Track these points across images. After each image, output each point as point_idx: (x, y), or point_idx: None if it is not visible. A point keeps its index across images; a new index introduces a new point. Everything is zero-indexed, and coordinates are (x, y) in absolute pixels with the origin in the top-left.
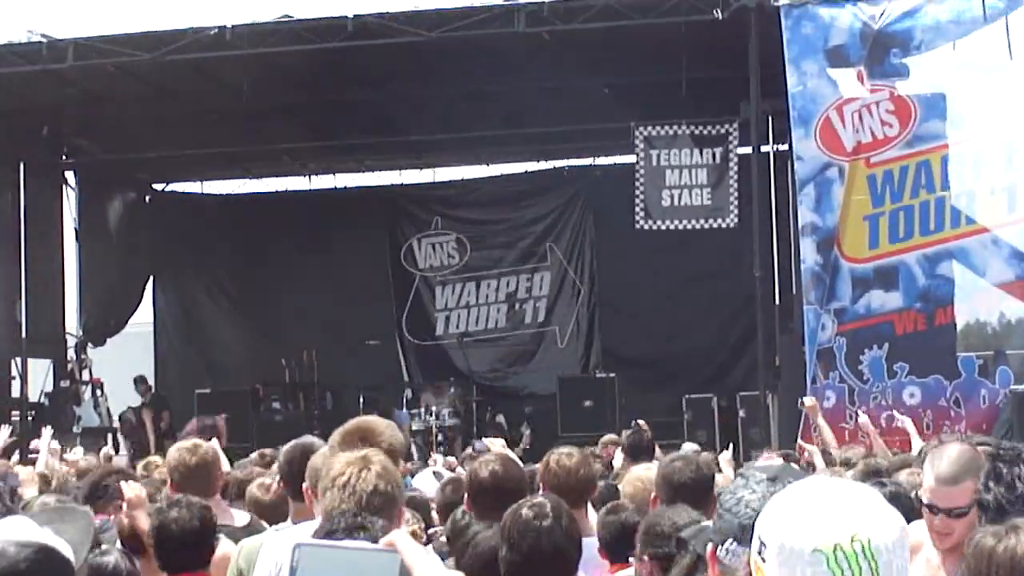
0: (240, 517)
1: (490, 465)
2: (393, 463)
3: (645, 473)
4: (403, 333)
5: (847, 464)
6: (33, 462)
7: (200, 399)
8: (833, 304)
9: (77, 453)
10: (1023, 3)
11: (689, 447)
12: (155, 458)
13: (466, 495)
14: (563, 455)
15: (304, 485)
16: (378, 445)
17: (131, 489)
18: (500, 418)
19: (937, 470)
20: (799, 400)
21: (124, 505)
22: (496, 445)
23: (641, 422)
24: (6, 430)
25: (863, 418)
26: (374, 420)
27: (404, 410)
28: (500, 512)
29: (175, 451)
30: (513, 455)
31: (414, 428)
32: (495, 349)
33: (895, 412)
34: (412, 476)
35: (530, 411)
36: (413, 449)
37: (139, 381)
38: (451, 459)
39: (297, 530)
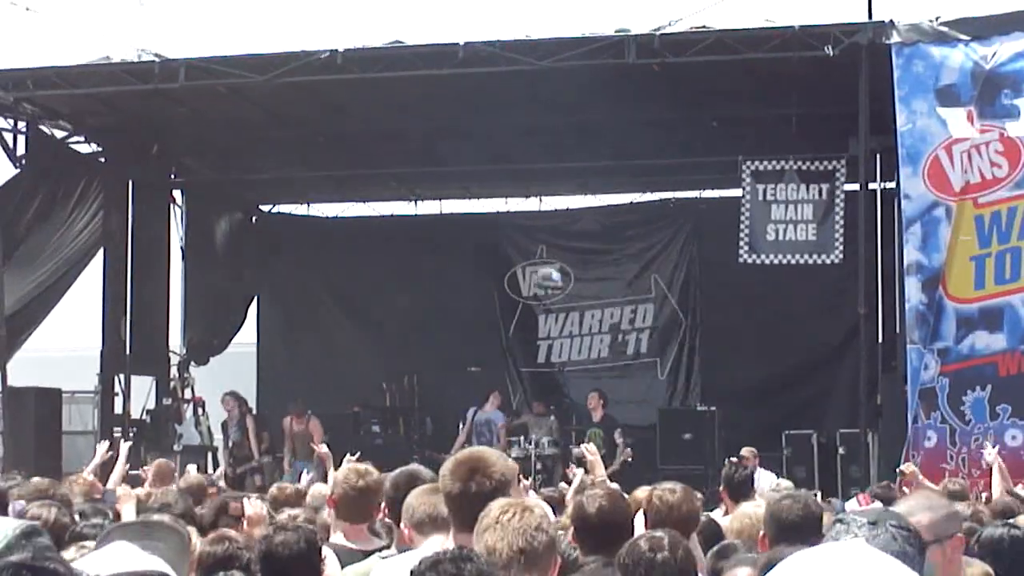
0: (376, 541)
1: (597, 500)
2: (505, 494)
3: (754, 511)
4: (506, 358)
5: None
6: (133, 480)
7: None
8: (937, 344)
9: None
10: None
11: (784, 484)
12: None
13: (572, 529)
14: (666, 491)
15: (402, 523)
16: (490, 476)
17: (252, 506)
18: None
19: None
20: (922, 445)
21: (245, 523)
22: (592, 451)
23: (750, 450)
24: (103, 446)
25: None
26: (486, 451)
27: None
28: (606, 547)
29: (345, 471)
30: (615, 485)
31: (512, 456)
32: (596, 381)
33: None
34: None
35: (630, 442)
36: None
37: (232, 396)
38: (563, 485)
39: (404, 558)
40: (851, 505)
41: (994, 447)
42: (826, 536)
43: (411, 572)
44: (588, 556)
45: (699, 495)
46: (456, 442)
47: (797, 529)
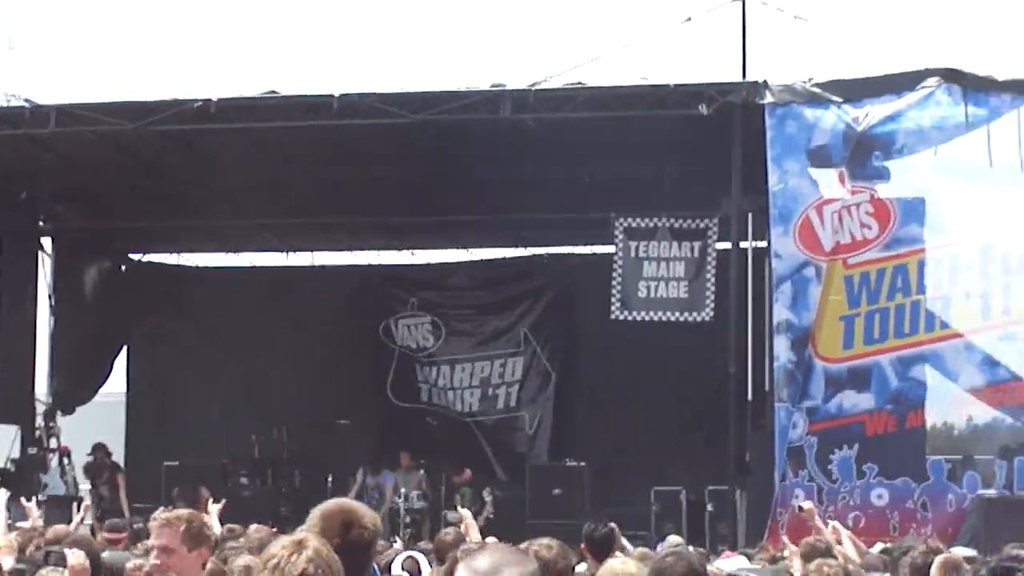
0: None
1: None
2: (372, 549)
3: (621, 567)
4: (387, 398)
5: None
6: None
7: (168, 471)
8: (805, 403)
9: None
10: (1004, 112)
11: (673, 539)
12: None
13: None
14: (543, 546)
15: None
16: (365, 527)
17: (75, 557)
18: (467, 471)
19: None
20: (789, 503)
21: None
22: (468, 515)
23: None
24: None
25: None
26: (350, 502)
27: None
28: None
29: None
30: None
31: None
32: (467, 434)
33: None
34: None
35: (500, 495)
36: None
37: (97, 448)
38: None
39: None
40: (721, 563)
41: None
42: None
43: None
44: None
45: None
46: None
47: None
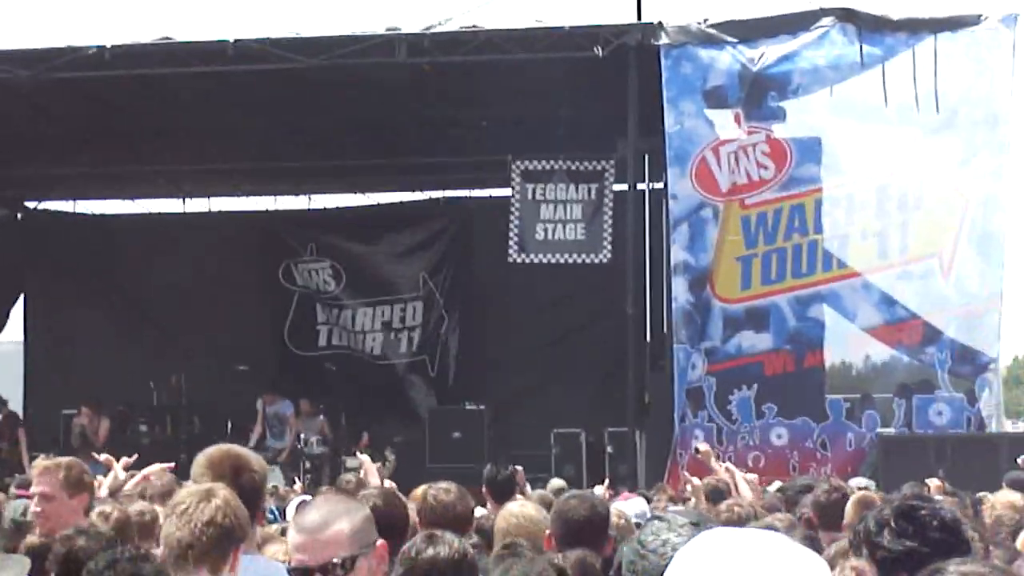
0: None
1: (372, 499)
2: (262, 492)
3: (520, 510)
4: (283, 344)
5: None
6: None
7: (66, 419)
8: (704, 343)
9: None
10: (899, 52)
11: (556, 483)
12: None
13: None
14: (440, 490)
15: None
16: (255, 471)
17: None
18: (365, 436)
19: None
20: (689, 444)
21: None
22: (367, 461)
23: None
24: None
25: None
26: (236, 447)
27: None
28: None
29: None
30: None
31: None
32: (367, 376)
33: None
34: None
35: (399, 440)
36: (279, 473)
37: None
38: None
39: None
40: (620, 505)
41: (703, 446)
42: (645, 533)
43: (87, 570)
44: None
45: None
46: (252, 435)
47: (583, 529)
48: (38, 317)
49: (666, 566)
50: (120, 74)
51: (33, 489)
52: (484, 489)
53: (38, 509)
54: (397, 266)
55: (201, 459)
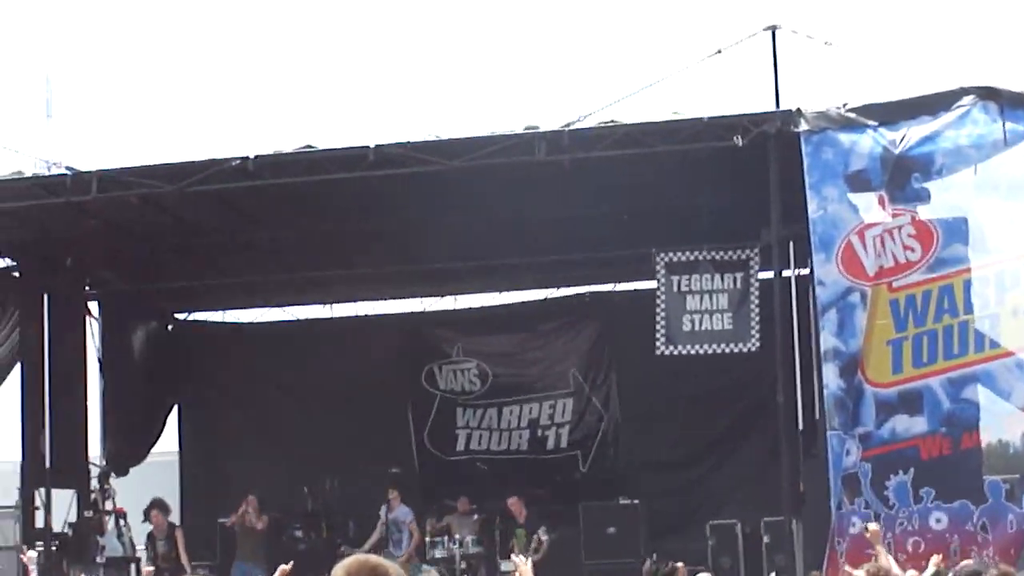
0: None
1: None
2: None
3: None
4: (424, 448)
5: None
6: None
7: (222, 528)
8: (857, 429)
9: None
10: None
11: None
12: None
13: None
14: None
15: None
16: None
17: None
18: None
19: None
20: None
21: None
22: (521, 562)
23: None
24: (32, 555)
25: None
26: (374, 557)
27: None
28: None
29: None
30: None
31: (437, 556)
32: (517, 474)
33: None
34: None
35: (555, 537)
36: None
37: (155, 504)
38: None
39: None
40: None
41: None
42: None
43: None
44: None
45: None
46: (368, 541)
47: None
48: (192, 426)
49: None
50: (263, 184)
51: None
52: None
53: None
54: (544, 363)
55: (339, 571)
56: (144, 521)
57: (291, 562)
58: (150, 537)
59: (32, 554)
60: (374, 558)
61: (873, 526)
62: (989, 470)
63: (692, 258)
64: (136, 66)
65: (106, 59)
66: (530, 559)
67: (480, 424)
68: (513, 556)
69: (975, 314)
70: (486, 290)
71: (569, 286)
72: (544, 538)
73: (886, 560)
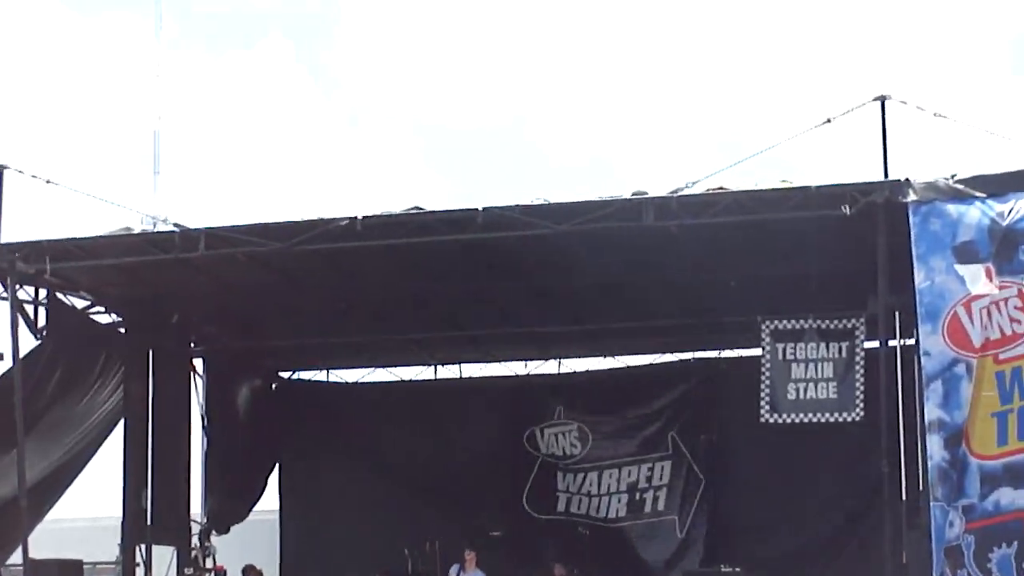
0: None
1: None
2: None
3: None
4: (523, 511)
5: None
6: None
7: None
8: (961, 501)
9: None
10: None
11: None
12: None
13: None
14: None
15: None
16: None
17: None
18: None
19: None
20: None
21: None
22: None
23: None
24: None
25: None
26: None
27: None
28: None
29: None
30: None
31: None
32: (616, 539)
33: None
34: None
35: None
36: None
37: (248, 570)
38: None
39: None
40: None
41: None
42: None
43: None
44: None
45: None
46: None
47: None
48: (293, 485)
49: None
50: (371, 244)
51: None
52: None
53: None
54: (646, 427)
55: None
56: None
57: None
58: None
59: None
60: None
61: None
62: None
63: (798, 326)
64: (245, 123)
65: (212, 115)
66: None
67: (580, 489)
68: None
69: None
70: (590, 354)
71: (674, 352)
72: None
73: None
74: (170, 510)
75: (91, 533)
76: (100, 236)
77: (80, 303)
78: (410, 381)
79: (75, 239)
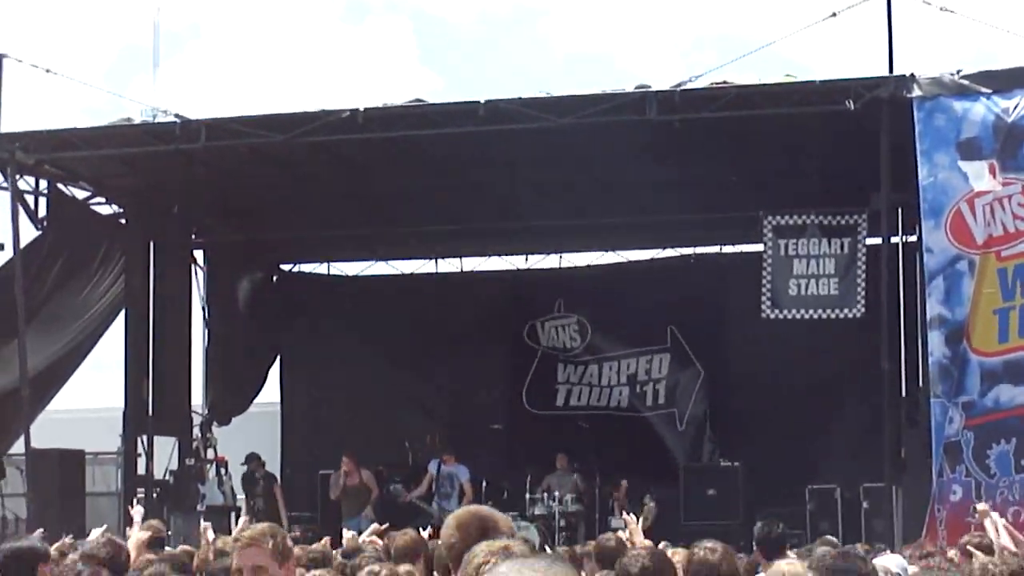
0: None
1: (640, 559)
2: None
3: (789, 568)
4: (523, 405)
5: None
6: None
7: (323, 480)
8: (961, 397)
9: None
10: None
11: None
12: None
13: None
14: (707, 549)
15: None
16: (500, 534)
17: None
18: (623, 484)
19: None
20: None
21: None
22: (631, 520)
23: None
24: (140, 509)
25: (982, 506)
26: (486, 509)
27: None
28: None
29: None
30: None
31: (536, 513)
32: (617, 432)
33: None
34: None
35: (655, 496)
36: (534, 531)
37: (251, 459)
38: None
39: None
40: (880, 561)
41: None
42: None
43: None
44: None
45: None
46: (415, 491)
47: None
48: (294, 378)
49: None
50: (372, 137)
51: (242, 562)
52: (755, 547)
53: None
54: (645, 319)
55: (451, 521)
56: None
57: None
58: (247, 492)
59: (140, 508)
60: (485, 509)
61: (982, 506)
62: None
63: (800, 222)
64: (244, 17)
65: (212, 7)
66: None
67: (581, 380)
68: (624, 514)
69: None
70: (591, 249)
71: (675, 247)
72: (650, 503)
73: (990, 529)
74: (171, 401)
75: (93, 424)
76: (101, 127)
77: (81, 194)
78: (411, 274)
79: (75, 129)
